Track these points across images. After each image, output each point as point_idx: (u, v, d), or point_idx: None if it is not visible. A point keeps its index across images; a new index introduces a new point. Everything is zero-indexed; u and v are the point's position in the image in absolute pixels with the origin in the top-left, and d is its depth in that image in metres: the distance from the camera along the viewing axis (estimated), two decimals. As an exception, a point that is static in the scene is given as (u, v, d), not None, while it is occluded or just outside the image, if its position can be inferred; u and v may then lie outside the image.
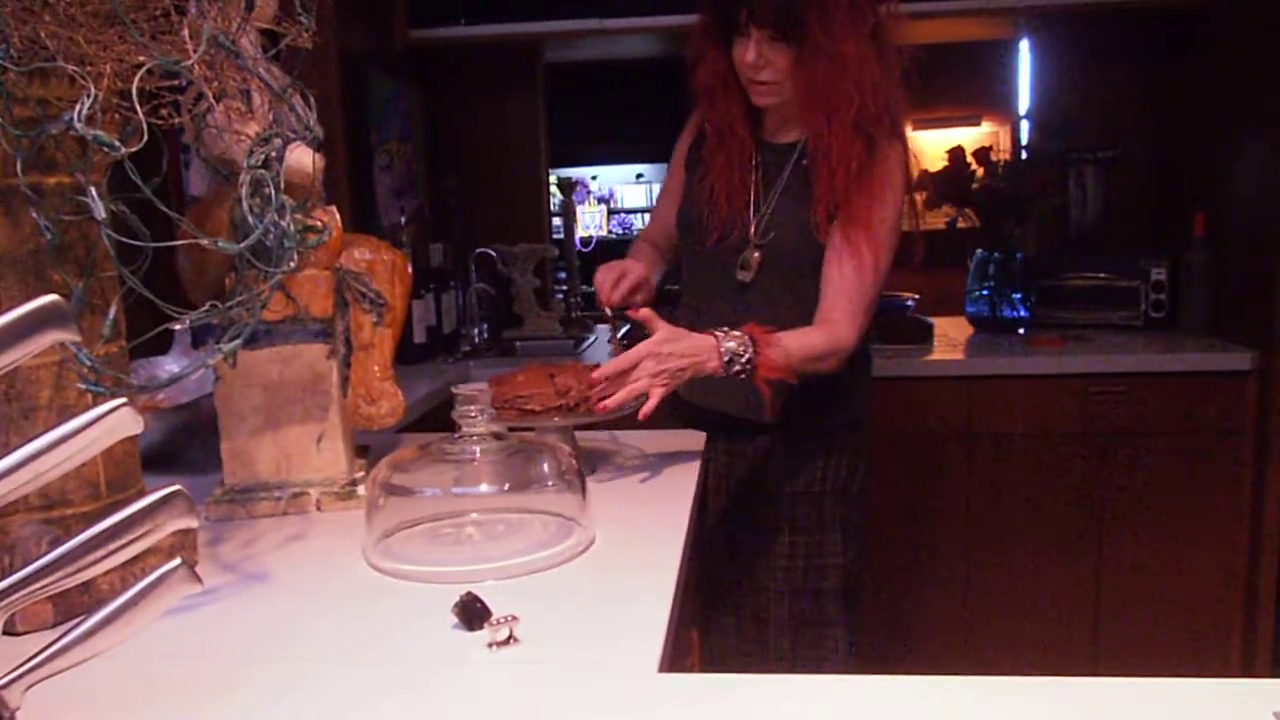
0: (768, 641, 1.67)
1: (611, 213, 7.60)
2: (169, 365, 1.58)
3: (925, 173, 2.76)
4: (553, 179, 3.55)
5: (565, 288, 3.42)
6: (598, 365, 1.38)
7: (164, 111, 0.88)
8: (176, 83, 0.89)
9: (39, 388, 0.91)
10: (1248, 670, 2.51)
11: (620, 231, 7.37)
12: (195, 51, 0.83)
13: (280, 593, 1.01)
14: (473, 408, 1.12)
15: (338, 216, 1.21)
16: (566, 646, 0.87)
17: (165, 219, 0.89)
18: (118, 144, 0.81)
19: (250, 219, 0.89)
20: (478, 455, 1.12)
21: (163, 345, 1.57)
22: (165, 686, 0.81)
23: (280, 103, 0.98)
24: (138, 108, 0.80)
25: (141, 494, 0.65)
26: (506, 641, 0.86)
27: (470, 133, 3.24)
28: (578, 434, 1.48)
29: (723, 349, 1.35)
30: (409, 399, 1.38)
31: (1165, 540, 2.51)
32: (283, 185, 0.92)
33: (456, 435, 1.13)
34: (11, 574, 0.63)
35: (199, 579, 0.66)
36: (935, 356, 2.62)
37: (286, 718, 0.76)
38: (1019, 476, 2.54)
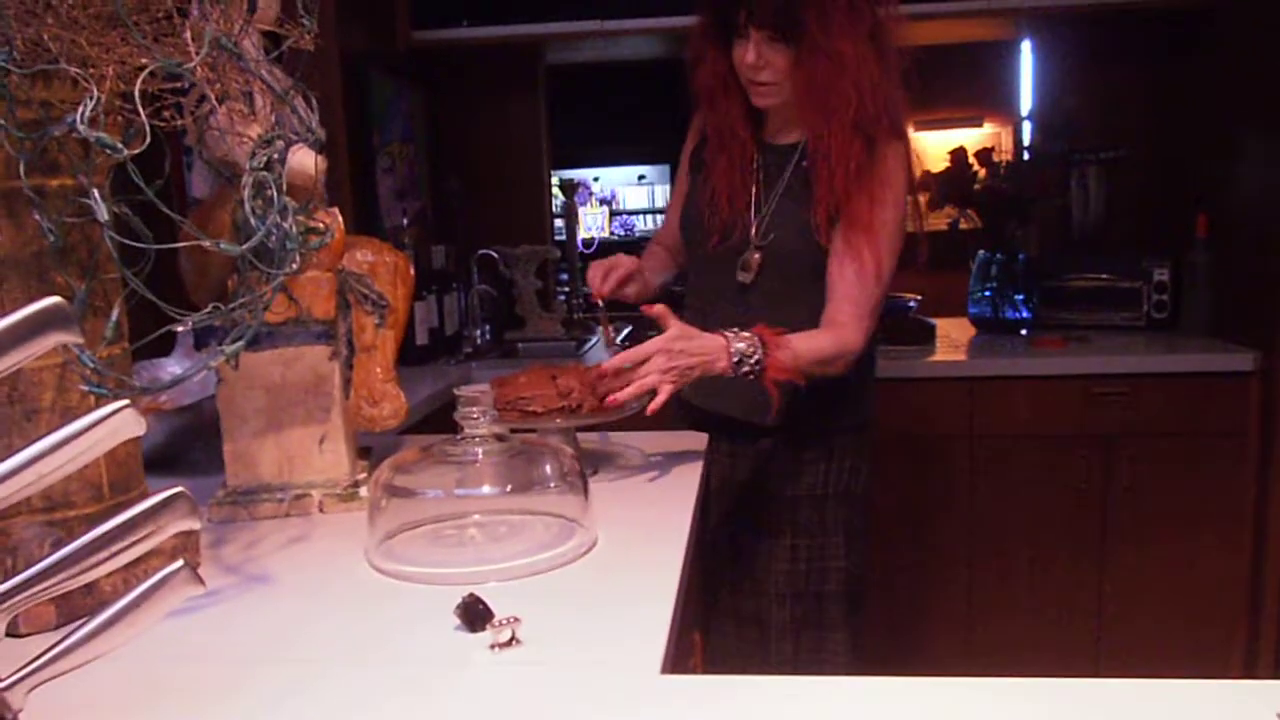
0: (769, 645, 1.67)
1: (614, 214, 7.58)
2: (171, 367, 1.59)
3: (927, 174, 2.76)
4: (555, 180, 3.55)
5: (567, 289, 3.42)
6: (599, 366, 1.37)
7: (166, 113, 0.89)
8: (179, 85, 0.89)
9: (42, 390, 0.91)
10: (1250, 672, 2.50)
11: (622, 233, 7.35)
12: (198, 54, 0.84)
13: (283, 594, 1.01)
14: (475, 409, 1.12)
15: (340, 218, 1.21)
16: (569, 648, 0.87)
17: (168, 221, 0.89)
18: (120, 146, 0.82)
19: (253, 221, 0.89)
20: (480, 457, 1.12)
21: (165, 347, 1.57)
22: (168, 688, 0.81)
23: (282, 105, 0.99)
24: (140, 110, 0.80)
25: (144, 496, 0.65)
26: (509, 643, 0.86)
27: (472, 134, 3.24)
28: (580, 435, 1.48)
29: (732, 349, 1.35)
30: (411, 401, 1.38)
31: (1168, 541, 2.51)
32: (285, 187, 0.92)
33: (459, 437, 1.13)
34: (14, 576, 0.63)
35: (201, 581, 0.66)
36: (937, 357, 2.62)
37: None
38: (1021, 477, 2.54)
